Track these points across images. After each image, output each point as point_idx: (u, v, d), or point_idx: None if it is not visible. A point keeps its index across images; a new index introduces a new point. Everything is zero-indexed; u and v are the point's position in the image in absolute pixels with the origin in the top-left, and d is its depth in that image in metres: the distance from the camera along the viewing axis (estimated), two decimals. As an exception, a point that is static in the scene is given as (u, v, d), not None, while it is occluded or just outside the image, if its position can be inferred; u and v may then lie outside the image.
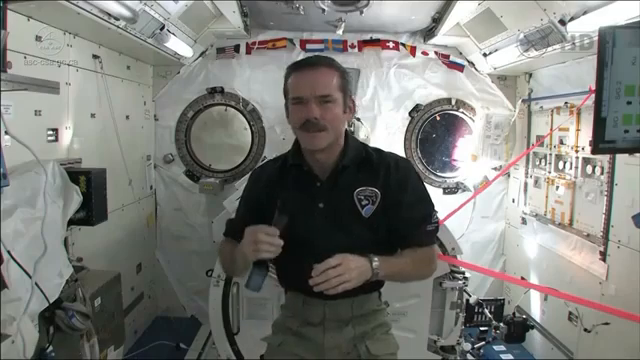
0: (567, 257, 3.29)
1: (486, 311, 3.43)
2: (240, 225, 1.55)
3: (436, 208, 1.69)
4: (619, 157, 2.77)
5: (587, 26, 2.56)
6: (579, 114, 3.21)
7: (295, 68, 1.57)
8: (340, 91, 1.55)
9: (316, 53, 3.98)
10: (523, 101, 4.11)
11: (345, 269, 1.36)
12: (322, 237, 1.53)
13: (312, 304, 1.62)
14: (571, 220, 3.32)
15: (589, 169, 3.12)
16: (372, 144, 4.12)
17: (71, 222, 2.47)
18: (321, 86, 1.51)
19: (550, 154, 3.64)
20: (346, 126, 1.63)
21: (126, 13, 2.57)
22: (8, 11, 1.93)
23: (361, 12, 3.54)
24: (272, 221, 1.47)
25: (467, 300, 3.05)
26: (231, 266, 1.65)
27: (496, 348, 3.77)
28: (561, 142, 3.50)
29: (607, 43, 1.65)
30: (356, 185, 1.55)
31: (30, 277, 1.93)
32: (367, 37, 4.25)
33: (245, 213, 1.72)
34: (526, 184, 4.05)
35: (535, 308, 3.74)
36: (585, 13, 2.52)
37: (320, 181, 1.60)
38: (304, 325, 1.65)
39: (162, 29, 3.09)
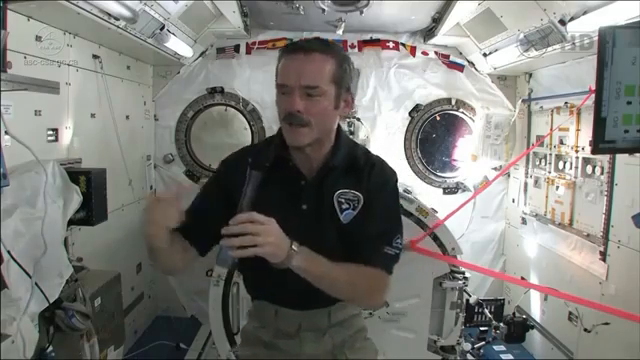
0: (567, 257, 3.29)
1: (486, 311, 3.43)
2: (189, 215, 1.34)
3: (405, 236, 1.48)
4: (619, 157, 2.77)
5: (587, 26, 2.56)
6: (579, 114, 3.21)
7: (286, 51, 1.40)
8: (332, 82, 1.37)
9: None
10: (523, 101, 4.11)
11: (265, 232, 1.18)
12: (301, 242, 1.33)
13: (286, 315, 1.48)
14: (571, 220, 3.31)
15: (589, 169, 3.12)
16: (372, 144, 4.19)
17: (71, 222, 2.47)
18: (308, 75, 1.33)
19: (550, 154, 3.64)
20: (338, 122, 1.48)
21: (126, 13, 2.57)
22: (8, 11, 1.94)
23: (361, 12, 3.54)
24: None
25: (467, 300, 3.05)
26: (159, 260, 1.44)
27: (496, 348, 3.77)
28: (561, 142, 3.50)
29: (607, 43, 1.65)
30: (338, 187, 1.41)
31: (30, 277, 1.94)
32: (367, 37, 4.25)
33: (202, 203, 1.50)
34: (526, 184, 4.05)
35: (535, 308, 3.73)
36: (585, 13, 2.52)
37: (305, 179, 1.44)
38: (278, 336, 1.51)
39: (162, 29, 3.09)
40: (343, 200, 1.41)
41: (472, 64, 4.26)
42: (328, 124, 1.43)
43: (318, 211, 1.41)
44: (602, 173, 2.97)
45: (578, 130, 3.25)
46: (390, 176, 1.48)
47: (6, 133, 1.86)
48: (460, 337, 2.91)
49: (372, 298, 1.46)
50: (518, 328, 3.30)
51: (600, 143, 1.71)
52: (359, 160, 1.47)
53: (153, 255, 1.41)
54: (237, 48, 4.23)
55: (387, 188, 1.46)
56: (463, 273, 2.88)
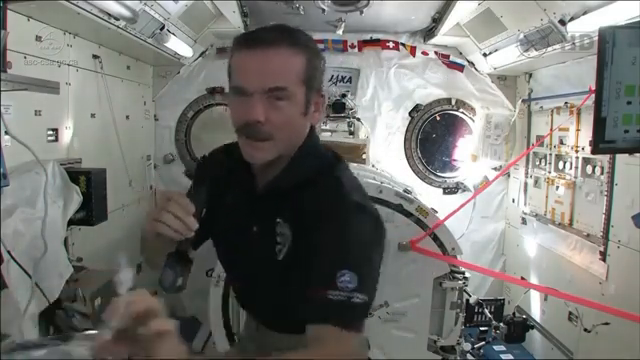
0: (567, 257, 3.29)
1: (486, 311, 3.43)
2: None
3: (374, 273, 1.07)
4: (619, 157, 2.77)
5: (587, 26, 2.56)
6: (579, 114, 3.21)
7: (243, 43, 1.10)
8: (303, 84, 1.10)
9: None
10: (523, 101, 4.11)
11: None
12: (245, 274, 1.19)
13: (266, 333, 1.31)
14: (571, 220, 3.31)
15: (589, 169, 3.12)
16: (372, 144, 4.18)
17: (71, 222, 2.47)
18: (274, 75, 1.06)
19: (550, 154, 3.64)
20: (307, 130, 1.20)
21: (126, 13, 2.57)
22: (8, 11, 1.94)
23: (361, 12, 3.54)
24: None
25: (467, 300, 3.04)
26: (145, 251, 1.27)
27: (496, 348, 3.76)
28: (561, 142, 3.50)
29: (607, 43, 1.66)
30: (281, 213, 1.14)
31: (30, 277, 1.94)
32: (367, 37, 4.25)
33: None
34: (526, 184, 4.05)
35: (535, 308, 3.73)
36: (585, 13, 2.52)
37: (260, 196, 1.19)
38: (262, 348, 1.35)
39: (162, 29, 3.09)
40: (279, 232, 1.14)
41: (472, 64, 4.26)
42: (295, 135, 1.16)
43: (265, 237, 1.16)
44: (602, 173, 2.97)
45: (578, 130, 3.25)
46: (332, 204, 1.08)
47: (6, 133, 1.86)
48: (460, 337, 2.90)
49: None
50: (518, 328, 3.29)
51: (600, 143, 1.71)
52: (308, 180, 1.14)
53: (145, 248, 1.27)
54: (237, 48, 4.23)
55: (325, 219, 1.06)
56: (463, 273, 2.87)
